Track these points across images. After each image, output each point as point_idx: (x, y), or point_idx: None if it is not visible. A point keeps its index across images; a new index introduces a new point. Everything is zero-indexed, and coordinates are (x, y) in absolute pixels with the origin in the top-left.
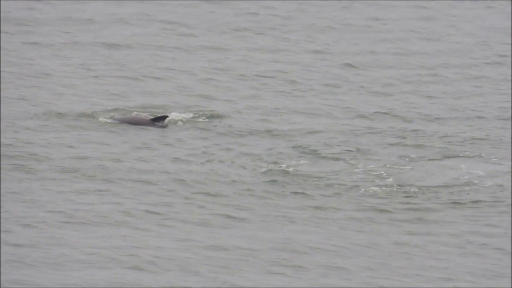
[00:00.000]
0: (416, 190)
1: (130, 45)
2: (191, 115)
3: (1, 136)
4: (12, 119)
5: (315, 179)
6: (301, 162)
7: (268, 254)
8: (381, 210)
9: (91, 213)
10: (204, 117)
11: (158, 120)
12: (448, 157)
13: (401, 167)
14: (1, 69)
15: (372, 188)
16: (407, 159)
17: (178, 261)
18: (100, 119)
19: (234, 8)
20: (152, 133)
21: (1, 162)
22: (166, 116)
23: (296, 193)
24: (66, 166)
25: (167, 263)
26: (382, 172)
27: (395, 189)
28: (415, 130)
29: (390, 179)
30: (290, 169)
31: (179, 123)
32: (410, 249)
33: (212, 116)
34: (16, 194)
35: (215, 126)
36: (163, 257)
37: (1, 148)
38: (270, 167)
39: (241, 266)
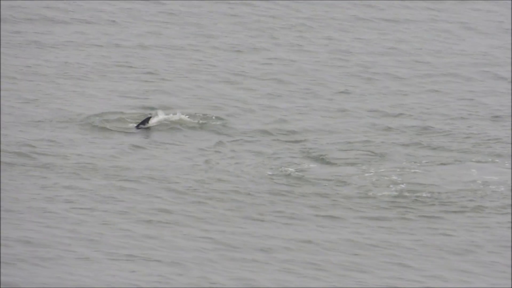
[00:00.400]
0: (429, 195)
1: (149, 46)
2: (201, 116)
3: (18, 136)
4: (28, 119)
5: (328, 182)
6: (314, 164)
7: (285, 253)
8: (394, 214)
9: (108, 212)
10: (219, 118)
11: (142, 124)
12: (461, 161)
13: (414, 171)
14: (17, 70)
15: (384, 192)
16: (419, 164)
17: (197, 260)
18: (93, 123)
19: (253, 9)
20: (165, 134)
21: (17, 162)
22: (149, 118)
23: (308, 195)
24: (81, 166)
25: (186, 262)
26: (394, 177)
27: (407, 193)
28: (431, 132)
29: (403, 184)
30: (303, 171)
31: (188, 123)
32: (425, 250)
33: (227, 117)
34: (32, 192)
35: (230, 127)
36: (182, 257)
37: (20, 148)
38: (283, 169)
39: (259, 265)
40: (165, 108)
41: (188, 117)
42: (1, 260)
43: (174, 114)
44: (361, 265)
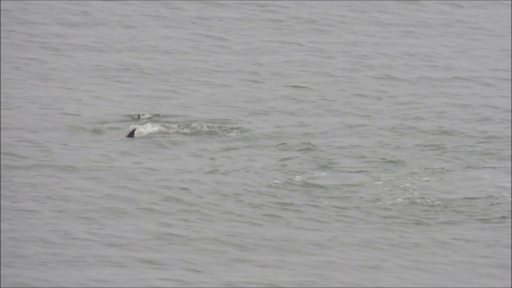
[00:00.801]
0: (440, 203)
1: (164, 50)
2: (214, 120)
3: (34, 139)
4: (43, 123)
5: (340, 188)
6: (326, 169)
7: (300, 256)
8: (408, 221)
9: (124, 216)
10: (232, 121)
11: (129, 137)
12: (474, 167)
13: (426, 178)
14: (32, 73)
15: (396, 200)
16: (431, 170)
17: (215, 265)
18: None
19: (270, 13)
20: (177, 138)
21: (31, 163)
22: (135, 130)
23: (319, 201)
24: (96, 168)
25: (204, 265)
26: (407, 184)
27: (419, 201)
28: (444, 137)
29: (416, 193)
30: (315, 178)
31: (204, 133)
32: (443, 259)
33: (240, 121)
34: (47, 193)
35: (243, 130)
36: (200, 260)
37: (34, 150)
38: (295, 174)
39: (276, 268)
40: (175, 116)
41: (179, 126)
42: (18, 261)
43: (163, 124)
44: (377, 268)
